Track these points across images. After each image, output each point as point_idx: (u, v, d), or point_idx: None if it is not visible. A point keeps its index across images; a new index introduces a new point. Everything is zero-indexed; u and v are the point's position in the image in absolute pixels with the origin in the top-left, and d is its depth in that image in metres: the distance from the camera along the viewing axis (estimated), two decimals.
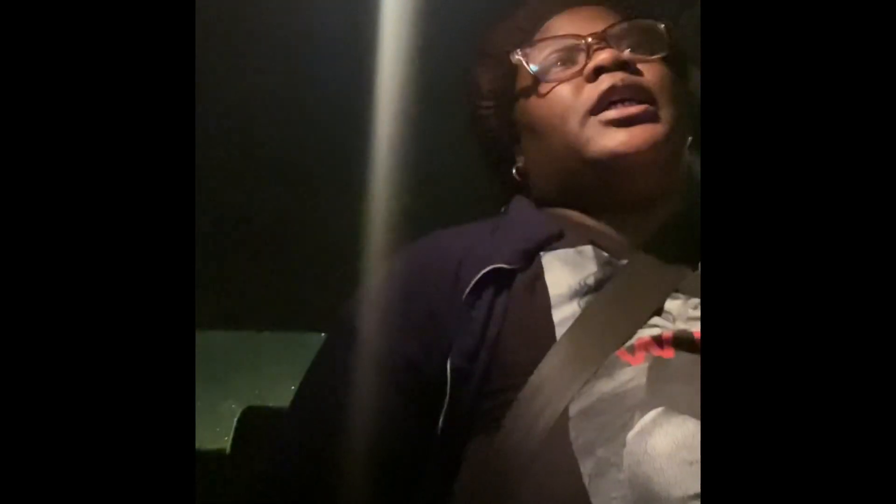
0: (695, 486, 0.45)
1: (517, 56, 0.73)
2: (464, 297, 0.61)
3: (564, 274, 0.62)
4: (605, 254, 0.64)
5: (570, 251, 0.64)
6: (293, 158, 1.18)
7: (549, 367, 0.57)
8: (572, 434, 0.52)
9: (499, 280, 0.62)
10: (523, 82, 0.74)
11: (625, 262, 0.63)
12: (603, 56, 0.68)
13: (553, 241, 0.65)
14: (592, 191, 0.69)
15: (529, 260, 0.63)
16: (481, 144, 0.81)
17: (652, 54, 0.70)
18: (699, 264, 0.62)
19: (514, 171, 0.76)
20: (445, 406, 0.60)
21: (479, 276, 0.62)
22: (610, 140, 0.65)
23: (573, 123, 0.67)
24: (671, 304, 0.60)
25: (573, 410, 0.53)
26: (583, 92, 0.68)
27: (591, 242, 0.65)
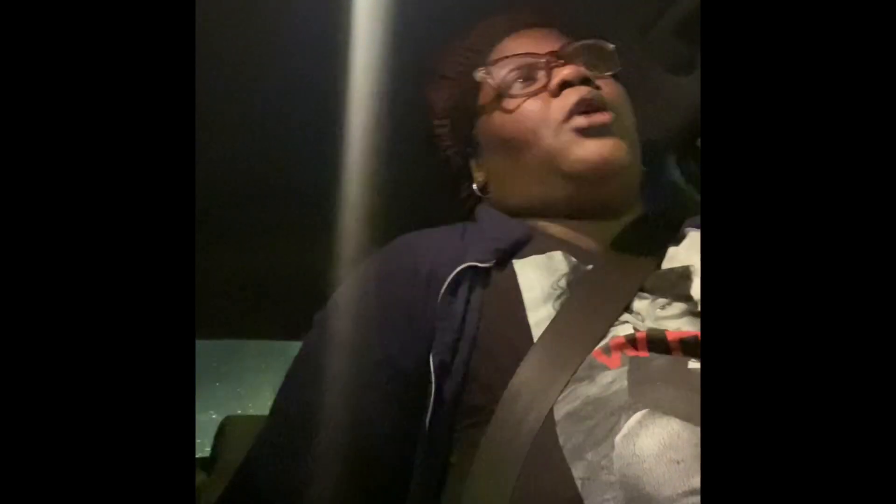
0: (683, 484, 0.46)
1: (480, 73, 0.75)
2: (440, 295, 0.62)
3: (537, 277, 0.63)
4: (574, 259, 0.65)
5: (540, 257, 0.65)
6: (270, 169, 1.18)
7: (529, 370, 0.57)
8: (561, 438, 0.53)
9: (473, 278, 0.63)
10: (486, 99, 0.75)
11: (590, 266, 0.65)
12: (566, 71, 0.70)
13: (523, 242, 0.67)
14: (562, 201, 0.70)
15: (501, 259, 0.65)
16: (439, 161, 0.83)
17: (605, 71, 0.74)
18: (661, 264, 0.65)
19: (473, 186, 0.78)
20: (431, 403, 0.60)
21: (455, 273, 0.63)
22: (584, 150, 0.68)
23: (546, 135, 0.70)
24: (639, 304, 0.61)
25: (559, 414, 0.54)
26: (550, 105, 0.70)
27: (560, 248, 0.66)
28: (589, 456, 0.51)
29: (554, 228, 0.71)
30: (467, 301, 0.62)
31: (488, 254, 0.65)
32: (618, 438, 0.50)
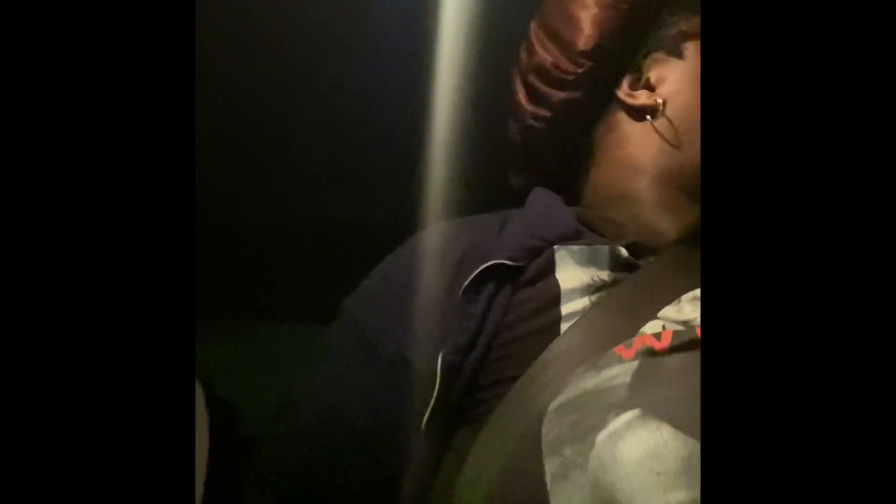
0: (659, 498, 0.43)
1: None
2: (461, 291, 0.60)
3: (577, 271, 0.60)
4: (625, 253, 0.61)
5: (585, 248, 0.62)
6: (336, 156, 1.20)
7: (544, 363, 0.55)
8: (545, 429, 0.50)
9: (501, 275, 0.60)
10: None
11: (643, 261, 0.61)
12: None
13: (567, 240, 0.63)
14: (666, 169, 0.66)
15: (537, 255, 0.61)
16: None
17: None
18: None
19: (656, 99, 0.70)
20: (433, 400, 0.58)
21: (478, 270, 0.60)
22: None
23: None
24: (687, 296, 0.57)
25: (553, 405, 0.51)
26: None
27: (613, 240, 0.62)
28: (566, 451, 0.47)
29: (656, 195, 0.66)
30: (490, 300, 0.59)
31: (523, 252, 0.61)
32: (600, 437, 0.46)
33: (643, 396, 0.48)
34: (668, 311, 0.56)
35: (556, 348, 0.55)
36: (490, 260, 0.60)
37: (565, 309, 0.58)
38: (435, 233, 0.68)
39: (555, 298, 0.58)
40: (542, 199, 0.70)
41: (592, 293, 0.58)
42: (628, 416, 0.47)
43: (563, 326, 0.57)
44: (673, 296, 0.57)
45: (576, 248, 0.61)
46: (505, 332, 0.58)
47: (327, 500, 0.63)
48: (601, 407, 0.48)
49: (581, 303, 0.58)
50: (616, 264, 0.60)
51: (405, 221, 0.78)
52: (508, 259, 0.61)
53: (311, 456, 0.64)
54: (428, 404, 0.58)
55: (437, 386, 0.58)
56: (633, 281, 0.59)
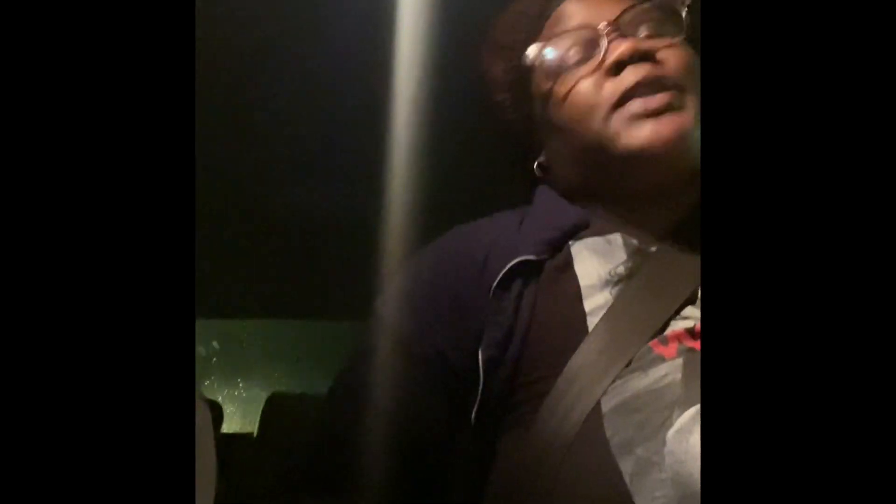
0: None
1: (530, 56, 0.69)
2: (492, 289, 0.61)
3: (594, 263, 0.61)
4: (635, 241, 0.63)
5: (598, 239, 0.63)
6: (315, 151, 1.20)
7: (583, 358, 0.56)
8: (608, 432, 0.52)
9: (527, 271, 0.62)
10: (540, 81, 0.70)
11: (654, 248, 0.62)
12: (622, 49, 0.64)
13: (580, 229, 0.64)
14: (620, 184, 0.66)
15: (557, 250, 0.63)
16: (498, 138, 0.77)
17: (671, 37, 0.66)
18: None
19: (535, 166, 0.72)
20: (479, 398, 0.59)
21: (507, 267, 0.61)
22: (638, 133, 0.62)
23: (597, 120, 0.64)
24: None
25: (606, 406, 0.53)
26: (604, 87, 0.64)
27: (620, 230, 0.64)
28: (639, 451, 0.50)
29: (614, 210, 0.67)
30: (520, 296, 0.61)
31: (543, 246, 0.63)
32: (670, 434, 0.49)
33: (698, 391, 0.50)
34: (691, 310, 0.58)
35: (588, 347, 0.57)
36: (515, 257, 0.62)
37: (588, 304, 0.59)
38: (457, 234, 0.69)
39: (576, 294, 0.60)
40: (547, 195, 0.71)
41: (613, 286, 0.60)
42: (692, 411, 0.49)
43: (590, 321, 0.58)
44: (689, 283, 0.59)
45: (589, 240, 0.63)
46: (536, 327, 0.60)
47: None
48: (662, 406, 0.51)
49: (603, 297, 0.59)
50: (630, 253, 0.62)
51: (374, 218, 0.78)
52: (533, 254, 0.62)
53: (357, 460, 0.63)
54: (472, 402, 0.60)
55: (481, 380, 0.59)
56: (649, 272, 0.60)
